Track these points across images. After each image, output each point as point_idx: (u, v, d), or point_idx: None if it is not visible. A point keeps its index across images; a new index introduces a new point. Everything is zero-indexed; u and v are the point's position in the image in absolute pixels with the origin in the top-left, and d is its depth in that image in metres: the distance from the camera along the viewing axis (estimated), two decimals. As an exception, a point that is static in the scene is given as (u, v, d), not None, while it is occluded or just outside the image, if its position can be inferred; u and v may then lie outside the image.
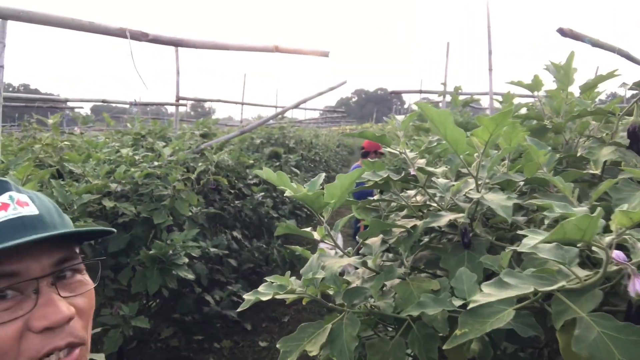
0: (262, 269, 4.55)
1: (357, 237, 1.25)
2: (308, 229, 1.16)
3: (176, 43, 2.18)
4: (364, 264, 1.07)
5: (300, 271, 1.04)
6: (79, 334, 0.60)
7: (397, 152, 1.21)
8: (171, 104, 4.34)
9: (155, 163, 2.79)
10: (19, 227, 0.58)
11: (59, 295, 0.59)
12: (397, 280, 1.04)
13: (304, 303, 0.95)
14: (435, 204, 1.17)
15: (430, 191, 1.18)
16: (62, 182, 2.42)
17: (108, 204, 2.36)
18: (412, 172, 1.18)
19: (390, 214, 1.39)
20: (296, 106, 3.78)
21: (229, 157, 3.46)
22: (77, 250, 0.66)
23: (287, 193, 0.93)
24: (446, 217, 1.02)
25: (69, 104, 4.60)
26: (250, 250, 4.17)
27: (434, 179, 1.24)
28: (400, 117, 1.27)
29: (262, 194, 4.24)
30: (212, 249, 3.23)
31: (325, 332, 0.90)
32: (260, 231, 4.88)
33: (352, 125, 26.12)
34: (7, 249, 0.54)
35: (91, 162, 2.77)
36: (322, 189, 1.02)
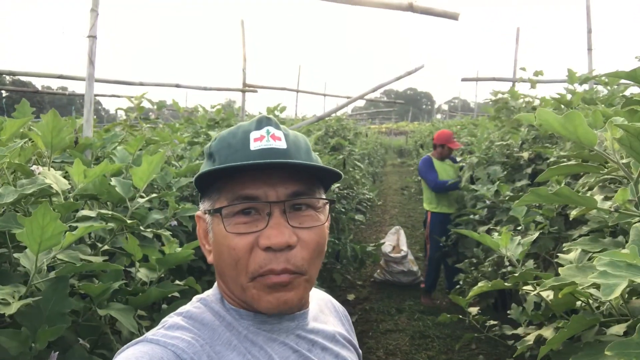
0: (332, 266, 4.30)
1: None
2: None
3: None
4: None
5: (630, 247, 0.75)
6: (297, 263, 0.65)
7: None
8: (238, 90, 4.16)
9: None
10: (265, 157, 0.65)
11: (287, 222, 0.65)
12: None
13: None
14: None
15: None
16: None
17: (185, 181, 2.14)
18: None
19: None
20: (374, 90, 3.52)
21: (312, 143, 3.22)
22: (318, 189, 0.71)
23: (609, 129, 0.64)
24: None
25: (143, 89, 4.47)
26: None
27: None
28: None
29: (338, 185, 3.99)
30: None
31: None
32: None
33: (389, 123, 25.62)
34: (240, 166, 0.63)
35: (176, 145, 2.57)
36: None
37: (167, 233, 1.27)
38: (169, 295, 1.39)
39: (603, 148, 0.65)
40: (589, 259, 1.10)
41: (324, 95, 8.10)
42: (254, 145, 0.66)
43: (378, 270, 5.46)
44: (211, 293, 0.74)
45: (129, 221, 1.19)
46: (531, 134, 3.30)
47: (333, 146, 5.34)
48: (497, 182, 2.69)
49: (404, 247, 5.40)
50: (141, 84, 3.20)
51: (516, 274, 1.16)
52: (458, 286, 3.30)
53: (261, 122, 0.69)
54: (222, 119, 3.51)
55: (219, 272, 0.71)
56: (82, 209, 1.53)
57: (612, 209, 0.74)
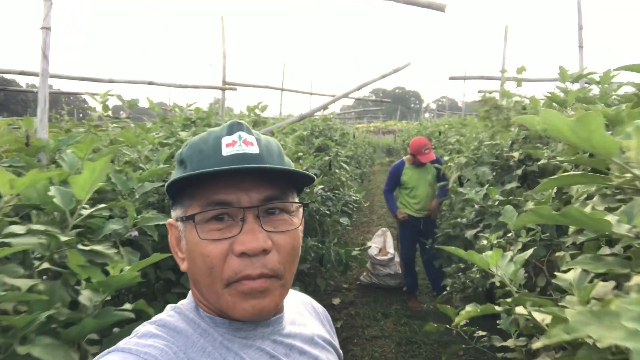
0: (316, 271, 4.15)
1: None
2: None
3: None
4: None
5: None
6: (273, 267, 0.65)
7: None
8: (217, 88, 3.97)
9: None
10: (237, 162, 0.65)
11: (261, 227, 0.65)
12: None
13: None
14: None
15: None
16: (117, 168, 2.05)
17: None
18: None
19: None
20: (359, 88, 3.37)
21: (292, 143, 3.06)
22: (291, 193, 0.71)
23: (636, 136, 0.50)
24: None
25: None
26: (305, 249, 3.77)
27: None
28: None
29: (322, 187, 3.83)
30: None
31: None
32: (310, 229, 4.48)
33: (377, 122, 25.52)
34: (210, 172, 0.63)
35: (146, 146, 2.39)
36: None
37: (112, 251, 1.10)
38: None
39: (624, 159, 0.51)
40: (591, 281, 0.97)
41: (310, 94, 7.92)
42: (226, 151, 0.66)
43: (364, 273, 5.33)
44: (186, 302, 0.72)
45: (63, 238, 1.02)
46: (521, 134, 3.18)
47: (318, 147, 5.18)
48: (487, 186, 2.56)
49: (390, 249, 5.27)
50: (111, 81, 3.01)
51: (509, 298, 1.02)
52: (445, 292, 3.18)
53: (232, 127, 0.69)
54: (200, 118, 3.33)
55: (193, 280, 0.69)
56: (21, 220, 1.36)
57: (632, 234, 0.59)
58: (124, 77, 3.04)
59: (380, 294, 5.08)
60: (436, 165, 4.47)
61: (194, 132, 3.43)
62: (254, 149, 0.67)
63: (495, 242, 2.02)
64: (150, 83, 3.32)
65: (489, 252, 1.12)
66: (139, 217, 1.69)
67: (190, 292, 0.73)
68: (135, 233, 1.70)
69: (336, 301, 4.94)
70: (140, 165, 2.34)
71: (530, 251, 1.08)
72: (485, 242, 2.04)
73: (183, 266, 0.70)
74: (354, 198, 5.63)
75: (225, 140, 0.67)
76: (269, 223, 0.66)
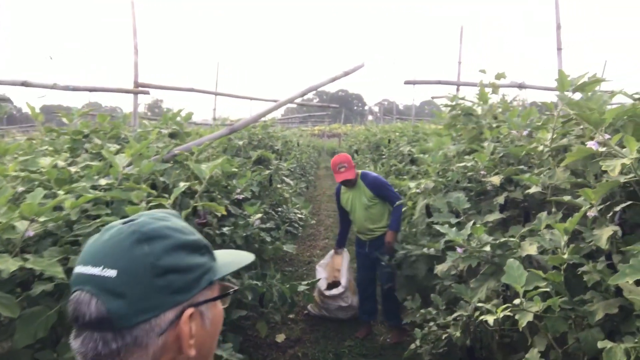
0: (255, 314, 3.44)
1: None
2: None
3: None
4: None
5: None
6: None
7: None
8: (125, 91, 3.15)
9: (103, 181, 1.63)
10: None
11: None
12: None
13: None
14: None
15: None
16: None
17: (7, 265, 1.22)
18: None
19: None
20: (305, 94, 2.75)
21: (219, 169, 2.33)
22: None
23: None
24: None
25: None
26: (241, 290, 3.06)
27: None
28: None
29: (260, 215, 3.13)
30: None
31: None
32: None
33: (321, 125, 25.00)
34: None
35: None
36: None
37: None
38: None
39: None
40: None
41: (250, 98, 7.13)
42: None
43: (312, 304, 4.66)
44: None
45: None
46: (497, 152, 2.67)
47: (257, 159, 4.48)
48: (471, 224, 1.99)
49: (343, 278, 4.58)
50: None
51: None
52: (414, 346, 2.60)
53: None
54: (95, 130, 2.52)
55: (201, 357, 0.68)
56: None
57: None
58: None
59: (331, 327, 4.45)
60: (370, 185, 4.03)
61: (88, 150, 2.61)
62: None
63: (500, 315, 1.44)
64: (23, 84, 2.46)
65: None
66: None
67: None
68: None
69: (280, 338, 4.26)
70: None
71: None
72: (489, 318, 1.44)
73: (193, 352, 0.65)
74: (299, 216, 4.98)
75: None
76: None
